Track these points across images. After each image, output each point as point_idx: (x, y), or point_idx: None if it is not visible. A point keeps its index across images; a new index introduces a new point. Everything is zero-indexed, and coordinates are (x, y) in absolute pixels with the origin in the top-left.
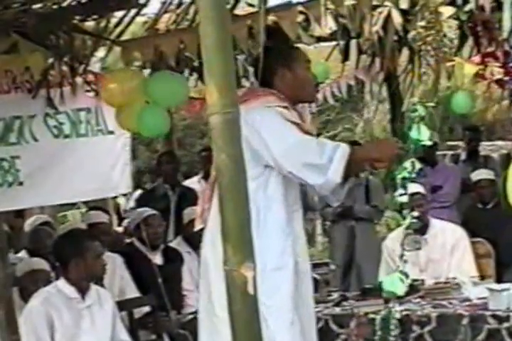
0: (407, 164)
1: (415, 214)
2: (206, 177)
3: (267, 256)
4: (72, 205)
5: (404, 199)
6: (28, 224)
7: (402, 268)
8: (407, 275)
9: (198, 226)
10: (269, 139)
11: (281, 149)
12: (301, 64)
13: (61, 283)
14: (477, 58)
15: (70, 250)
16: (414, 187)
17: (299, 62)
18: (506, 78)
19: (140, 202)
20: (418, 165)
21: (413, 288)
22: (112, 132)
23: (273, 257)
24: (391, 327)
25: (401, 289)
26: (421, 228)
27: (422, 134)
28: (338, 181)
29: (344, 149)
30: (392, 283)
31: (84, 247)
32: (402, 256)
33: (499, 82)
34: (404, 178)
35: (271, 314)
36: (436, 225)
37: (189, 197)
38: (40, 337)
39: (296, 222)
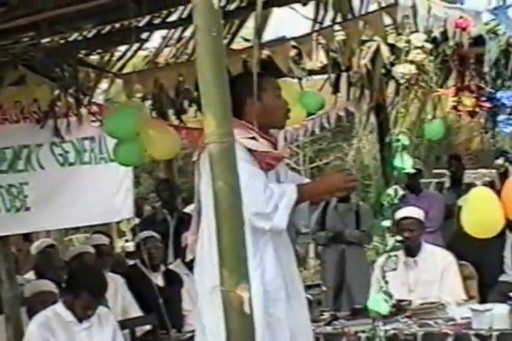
0: (391, 191)
1: (399, 238)
2: None
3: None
4: (78, 229)
5: (388, 223)
6: (35, 247)
7: (385, 288)
8: (390, 296)
9: (189, 257)
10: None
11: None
12: (270, 92)
13: (59, 307)
14: (452, 91)
15: (83, 282)
16: (405, 212)
17: (268, 91)
18: (477, 109)
19: (141, 226)
20: (401, 192)
21: (401, 308)
22: (114, 160)
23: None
24: None
25: (385, 309)
26: (412, 250)
27: (405, 163)
28: (283, 227)
29: (290, 196)
30: (377, 303)
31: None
32: (384, 277)
33: (471, 114)
34: (388, 204)
35: None
36: (428, 249)
37: (187, 222)
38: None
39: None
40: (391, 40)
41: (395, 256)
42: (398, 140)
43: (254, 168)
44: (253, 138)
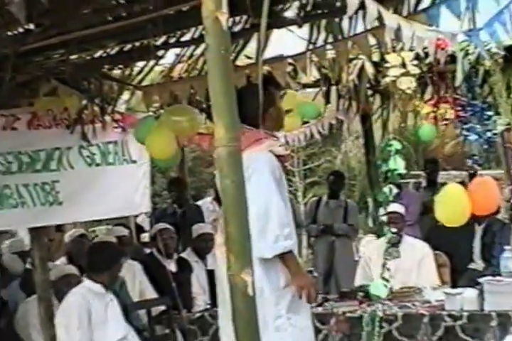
0: (386, 189)
1: (394, 229)
2: (217, 198)
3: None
4: (100, 222)
5: (385, 218)
6: (68, 235)
7: (384, 275)
8: (388, 281)
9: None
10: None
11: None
12: (278, 102)
13: (88, 283)
14: (432, 102)
15: (104, 262)
16: (393, 207)
17: (277, 101)
18: (453, 118)
19: (156, 219)
20: (395, 190)
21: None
22: (134, 161)
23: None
24: (376, 324)
25: (384, 292)
26: (397, 241)
27: (398, 164)
28: (268, 256)
29: (290, 246)
30: (377, 288)
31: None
32: (384, 264)
33: (447, 122)
34: (384, 201)
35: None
36: (408, 240)
37: (194, 214)
38: (82, 322)
39: None
40: (375, 58)
41: (397, 246)
42: (391, 145)
43: (278, 191)
44: (281, 144)
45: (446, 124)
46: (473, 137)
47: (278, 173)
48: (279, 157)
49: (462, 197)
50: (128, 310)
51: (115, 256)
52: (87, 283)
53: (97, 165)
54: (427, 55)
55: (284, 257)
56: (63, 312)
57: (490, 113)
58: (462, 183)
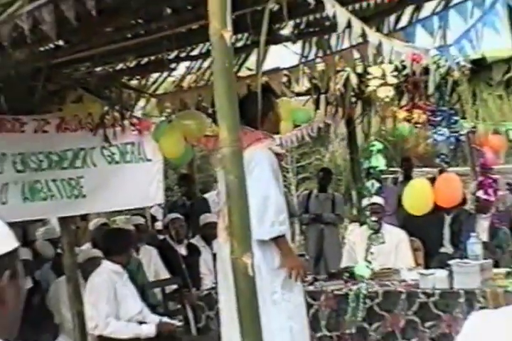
0: (369, 184)
1: (374, 218)
2: None
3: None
4: (120, 212)
5: (369, 210)
6: (92, 224)
7: (368, 257)
8: (370, 263)
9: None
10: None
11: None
12: (276, 108)
13: (109, 264)
14: (407, 108)
15: (120, 246)
16: (374, 199)
17: (275, 107)
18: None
19: (168, 209)
20: (376, 184)
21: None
22: (149, 159)
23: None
24: (360, 300)
25: (367, 273)
26: (377, 229)
27: (380, 162)
28: (265, 238)
29: (284, 231)
30: (361, 269)
31: (129, 245)
32: (367, 249)
33: (420, 126)
34: (366, 193)
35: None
36: (387, 228)
37: (201, 205)
38: (109, 298)
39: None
40: (358, 70)
41: (380, 233)
42: (374, 145)
43: (276, 183)
44: (278, 144)
45: (419, 127)
46: (442, 138)
47: (276, 168)
48: (276, 155)
49: (425, 189)
50: (144, 288)
51: (128, 240)
52: (108, 264)
53: (116, 163)
54: (404, 67)
55: (278, 240)
56: (92, 290)
57: (457, 117)
58: (433, 179)
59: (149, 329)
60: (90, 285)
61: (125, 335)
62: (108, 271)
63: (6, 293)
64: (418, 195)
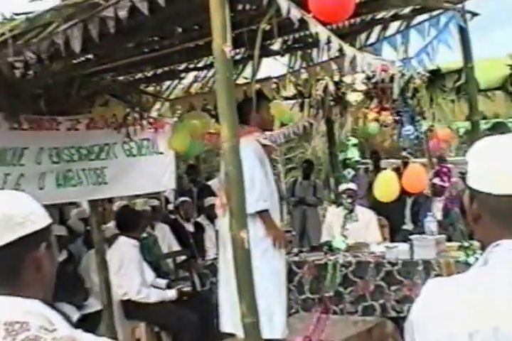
0: (345, 172)
1: (349, 201)
2: None
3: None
4: (139, 196)
5: (345, 194)
6: (116, 205)
7: (343, 233)
8: (345, 238)
9: (221, 215)
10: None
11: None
12: (265, 109)
13: (125, 238)
14: (377, 110)
15: (134, 223)
16: (349, 185)
17: (264, 108)
18: (391, 121)
19: (178, 194)
20: (351, 173)
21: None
22: (162, 153)
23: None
24: (337, 268)
25: (343, 246)
26: (351, 210)
27: (354, 154)
28: (251, 211)
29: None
30: (338, 243)
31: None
32: (343, 226)
33: (387, 124)
34: (342, 180)
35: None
36: (359, 209)
37: (205, 190)
38: (138, 268)
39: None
40: (335, 78)
41: (353, 213)
42: (349, 140)
43: (260, 167)
44: (265, 138)
45: (386, 126)
46: (405, 135)
47: (261, 156)
48: (263, 145)
49: (393, 180)
50: (159, 259)
51: (139, 218)
52: (126, 239)
53: (134, 156)
54: (374, 76)
55: (262, 214)
56: (123, 262)
57: (418, 118)
58: (398, 168)
59: (172, 294)
60: (120, 256)
61: (153, 300)
62: (130, 244)
63: (43, 261)
64: (386, 185)
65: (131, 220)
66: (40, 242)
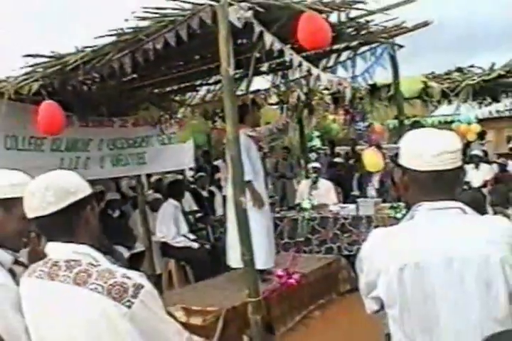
0: (311, 155)
1: (315, 175)
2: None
3: None
4: (169, 172)
5: (311, 170)
6: (153, 178)
7: (310, 197)
8: (311, 200)
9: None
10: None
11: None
12: (253, 112)
13: (172, 200)
14: (335, 112)
15: (177, 190)
16: (314, 164)
17: (253, 111)
18: (346, 120)
19: (196, 170)
20: (316, 156)
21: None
22: (184, 142)
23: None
24: (305, 222)
25: (309, 206)
26: (315, 181)
27: (317, 143)
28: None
29: (250, 178)
30: (306, 204)
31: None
32: (310, 193)
33: (343, 122)
34: (310, 161)
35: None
36: (321, 181)
37: (215, 168)
38: (175, 220)
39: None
40: (304, 90)
41: (317, 183)
42: (314, 133)
43: (245, 153)
44: (252, 131)
45: (340, 123)
46: (355, 129)
47: (247, 144)
48: (249, 136)
49: (376, 154)
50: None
51: (180, 186)
52: (173, 201)
53: (165, 144)
54: (331, 88)
55: (248, 184)
56: (164, 215)
57: (365, 117)
58: (347, 153)
59: (195, 246)
60: (163, 212)
61: (182, 245)
62: (172, 205)
63: (89, 217)
64: (369, 159)
65: (178, 188)
66: (86, 205)
